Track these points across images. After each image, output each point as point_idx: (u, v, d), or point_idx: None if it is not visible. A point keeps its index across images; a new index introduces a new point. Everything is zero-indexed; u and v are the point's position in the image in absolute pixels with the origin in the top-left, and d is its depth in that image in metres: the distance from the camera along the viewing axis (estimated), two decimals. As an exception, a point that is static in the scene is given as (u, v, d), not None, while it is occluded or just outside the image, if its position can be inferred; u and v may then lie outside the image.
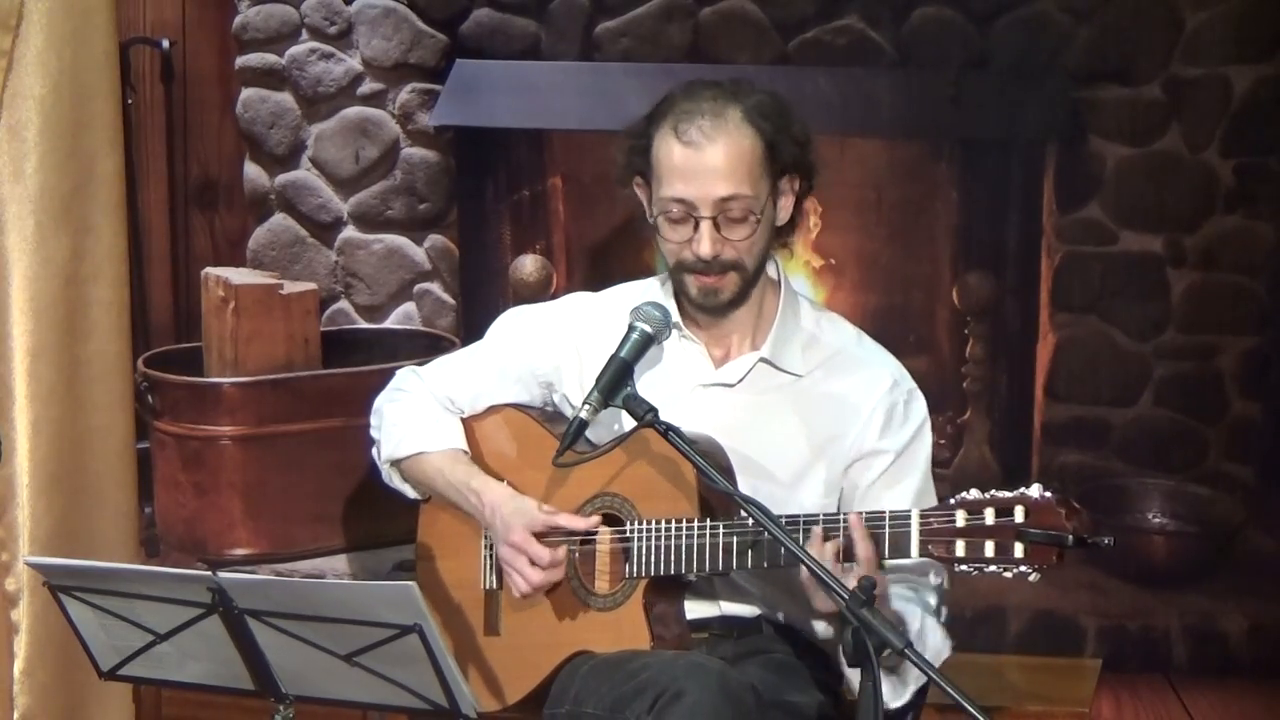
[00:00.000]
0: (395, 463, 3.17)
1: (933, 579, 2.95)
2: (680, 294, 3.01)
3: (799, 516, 2.80)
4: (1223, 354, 4.45)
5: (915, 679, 2.87)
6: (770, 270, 3.05)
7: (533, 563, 2.94)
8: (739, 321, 3.02)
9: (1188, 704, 4.30)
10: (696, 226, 2.90)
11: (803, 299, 3.11)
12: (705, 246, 2.90)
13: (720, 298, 2.96)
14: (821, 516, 2.79)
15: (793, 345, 3.02)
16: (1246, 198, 4.40)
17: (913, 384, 3.03)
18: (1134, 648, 4.45)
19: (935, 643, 2.90)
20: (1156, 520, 4.50)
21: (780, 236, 3.03)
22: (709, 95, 2.94)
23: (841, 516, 2.79)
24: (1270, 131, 4.36)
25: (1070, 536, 2.62)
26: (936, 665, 2.82)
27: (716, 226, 2.90)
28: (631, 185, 3.04)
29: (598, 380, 2.86)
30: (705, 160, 2.89)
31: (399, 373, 3.23)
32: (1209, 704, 4.30)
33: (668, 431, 2.79)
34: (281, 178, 4.81)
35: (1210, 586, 4.45)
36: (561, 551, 2.96)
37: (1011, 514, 2.64)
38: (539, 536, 2.96)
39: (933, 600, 2.94)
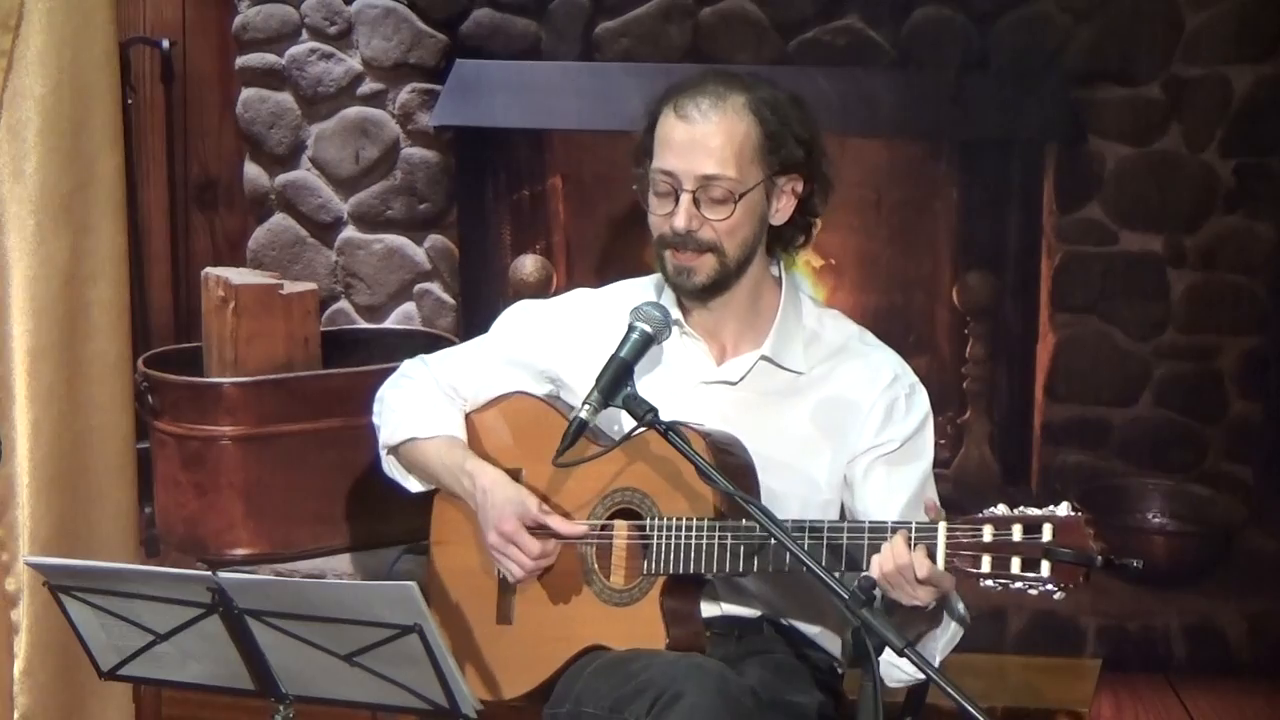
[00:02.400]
0: (393, 449, 3.17)
1: None
2: (664, 276, 3.01)
3: (823, 524, 2.79)
4: (1223, 354, 4.45)
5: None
6: (771, 268, 3.05)
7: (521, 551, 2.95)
8: (739, 318, 3.02)
9: (1188, 704, 4.31)
10: (679, 200, 2.92)
11: (805, 296, 3.10)
12: (680, 219, 2.92)
13: (695, 279, 2.96)
14: (846, 525, 2.78)
15: (794, 343, 3.02)
16: (1246, 198, 4.41)
17: (915, 379, 3.03)
18: (1134, 648, 4.45)
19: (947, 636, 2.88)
20: (1156, 520, 4.50)
21: (782, 240, 3.03)
22: (718, 80, 2.97)
23: (846, 524, 2.79)
24: (1270, 131, 4.36)
25: (1099, 558, 2.61)
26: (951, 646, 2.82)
27: (696, 203, 2.91)
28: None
29: (598, 380, 2.86)
30: (696, 136, 2.91)
31: (406, 361, 3.23)
32: (1209, 704, 4.30)
33: (668, 431, 2.79)
34: (281, 178, 4.81)
35: (1210, 586, 4.45)
36: (551, 544, 2.95)
37: (1039, 532, 2.63)
38: (530, 530, 2.96)
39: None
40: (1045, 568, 2.62)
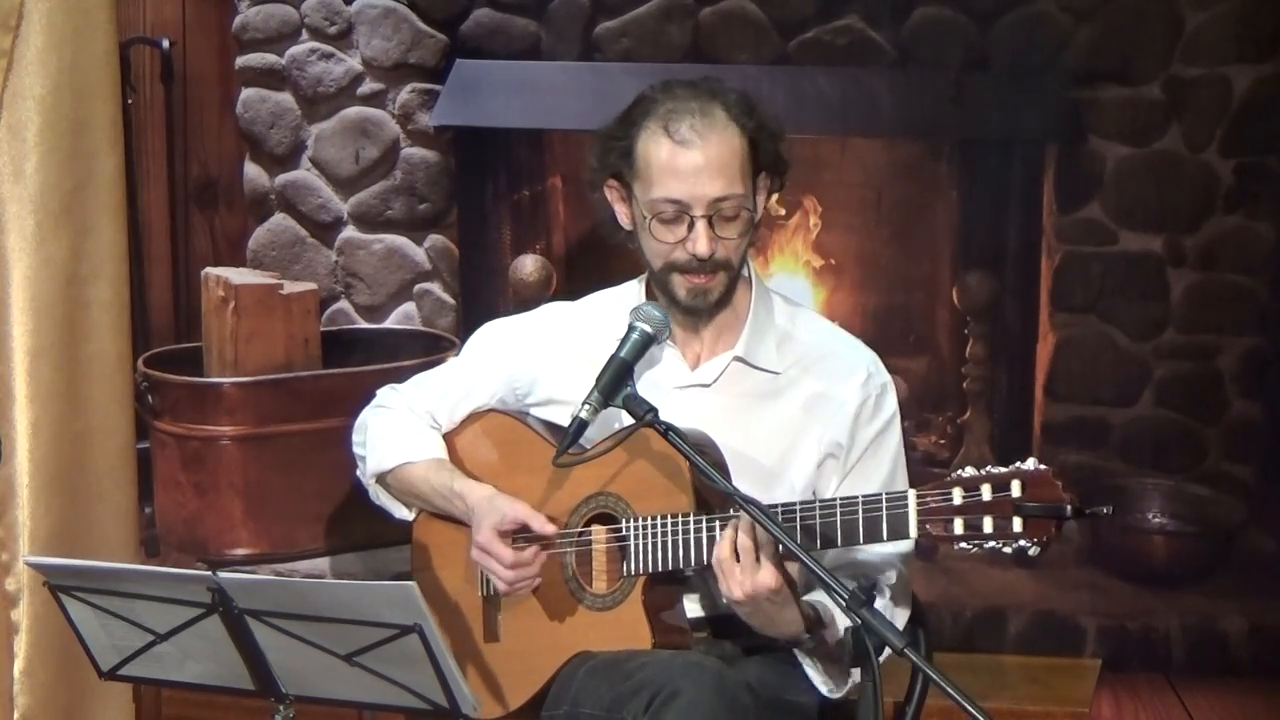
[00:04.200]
0: (380, 477, 3.17)
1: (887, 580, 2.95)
2: (665, 297, 3.00)
3: (795, 504, 2.80)
4: (1223, 354, 4.45)
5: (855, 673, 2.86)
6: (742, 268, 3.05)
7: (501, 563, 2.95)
8: (715, 322, 3.02)
9: (1188, 704, 4.31)
10: (691, 226, 2.90)
11: (775, 295, 3.10)
12: (702, 245, 2.90)
13: (709, 298, 2.96)
14: (818, 504, 2.79)
15: (767, 343, 3.02)
16: (1246, 198, 4.40)
17: (887, 377, 3.04)
18: (1134, 648, 4.45)
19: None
20: (1156, 520, 4.50)
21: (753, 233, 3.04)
22: (691, 94, 2.94)
23: (818, 502, 2.79)
24: (1270, 131, 4.36)
25: (1068, 507, 2.61)
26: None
27: (710, 225, 2.90)
28: (603, 188, 3.03)
29: (598, 380, 2.86)
30: (698, 159, 2.89)
31: (380, 390, 3.23)
32: (1209, 704, 4.31)
33: (667, 431, 2.79)
34: (281, 178, 4.81)
35: (1210, 586, 4.45)
36: (530, 552, 2.95)
37: (1008, 488, 2.63)
38: (513, 536, 2.96)
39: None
40: (1017, 523, 2.62)
